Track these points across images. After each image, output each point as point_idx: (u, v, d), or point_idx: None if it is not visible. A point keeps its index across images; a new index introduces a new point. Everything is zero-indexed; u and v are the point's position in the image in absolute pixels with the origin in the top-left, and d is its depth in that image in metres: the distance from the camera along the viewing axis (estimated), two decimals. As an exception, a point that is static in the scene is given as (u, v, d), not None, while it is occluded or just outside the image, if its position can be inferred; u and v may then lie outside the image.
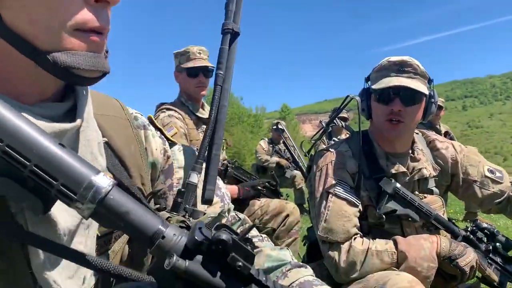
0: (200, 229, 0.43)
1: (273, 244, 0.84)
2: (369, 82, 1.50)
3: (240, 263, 0.42)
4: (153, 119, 0.82)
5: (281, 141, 6.35)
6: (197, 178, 0.71)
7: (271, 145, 6.32)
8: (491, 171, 1.48)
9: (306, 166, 1.68)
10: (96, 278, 0.60)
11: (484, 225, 1.41)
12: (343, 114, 5.08)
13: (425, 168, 1.46)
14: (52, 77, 0.51)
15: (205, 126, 2.38)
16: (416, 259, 1.25)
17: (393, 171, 1.42)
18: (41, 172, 0.40)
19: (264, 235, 0.87)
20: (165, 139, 0.82)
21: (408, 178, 1.45)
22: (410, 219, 1.37)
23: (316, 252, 1.46)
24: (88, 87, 0.61)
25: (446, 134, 4.60)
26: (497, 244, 1.38)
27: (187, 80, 2.24)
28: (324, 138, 5.25)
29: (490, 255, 1.37)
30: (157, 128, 0.81)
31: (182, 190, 0.70)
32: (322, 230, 1.34)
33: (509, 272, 1.37)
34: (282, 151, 5.99)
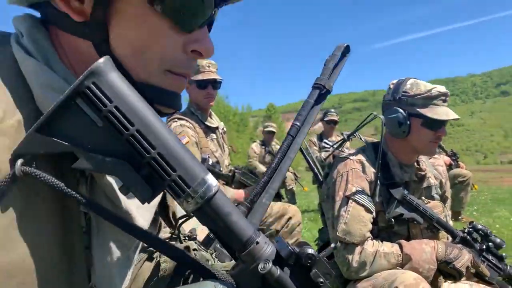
0: (287, 243, 0.46)
1: None
2: (405, 101, 1.54)
3: (321, 280, 0.44)
4: None
5: (273, 142, 6.50)
6: None
7: (263, 147, 6.43)
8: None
9: (321, 171, 1.82)
10: None
11: (479, 226, 1.55)
12: (333, 117, 5.23)
13: (430, 177, 1.66)
14: None
15: (213, 134, 2.50)
16: (419, 261, 1.39)
17: (407, 179, 1.59)
18: (162, 161, 0.41)
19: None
20: None
21: (417, 185, 1.64)
22: (415, 222, 1.52)
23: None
24: None
25: (454, 155, 4.97)
26: (490, 244, 1.53)
27: (197, 91, 2.32)
28: (316, 139, 5.41)
29: (484, 253, 1.52)
30: None
31: None
32: (341, 231, 1.45)
33: (499, 268, 1.53)
34: (275, 152, 6.10)
